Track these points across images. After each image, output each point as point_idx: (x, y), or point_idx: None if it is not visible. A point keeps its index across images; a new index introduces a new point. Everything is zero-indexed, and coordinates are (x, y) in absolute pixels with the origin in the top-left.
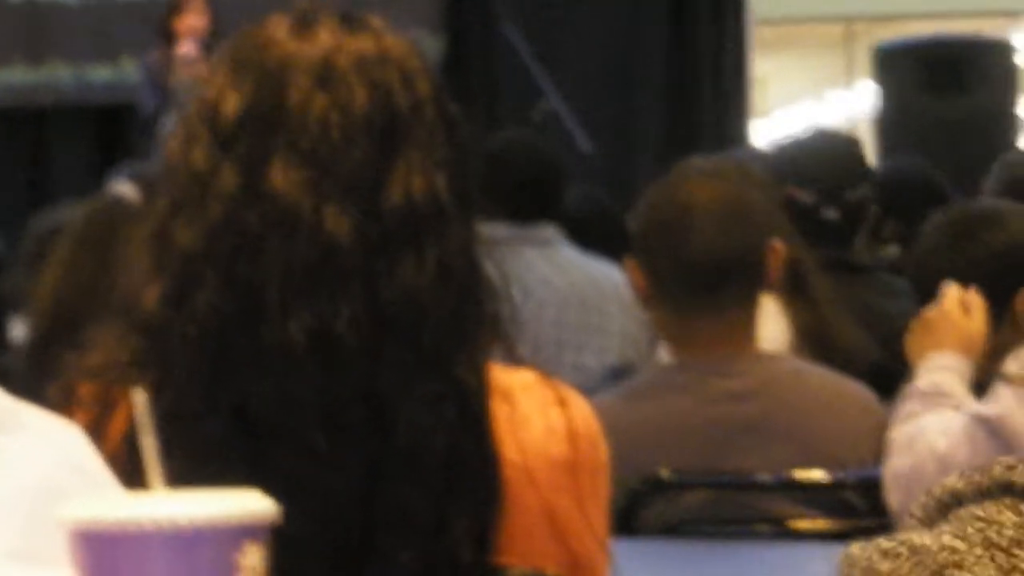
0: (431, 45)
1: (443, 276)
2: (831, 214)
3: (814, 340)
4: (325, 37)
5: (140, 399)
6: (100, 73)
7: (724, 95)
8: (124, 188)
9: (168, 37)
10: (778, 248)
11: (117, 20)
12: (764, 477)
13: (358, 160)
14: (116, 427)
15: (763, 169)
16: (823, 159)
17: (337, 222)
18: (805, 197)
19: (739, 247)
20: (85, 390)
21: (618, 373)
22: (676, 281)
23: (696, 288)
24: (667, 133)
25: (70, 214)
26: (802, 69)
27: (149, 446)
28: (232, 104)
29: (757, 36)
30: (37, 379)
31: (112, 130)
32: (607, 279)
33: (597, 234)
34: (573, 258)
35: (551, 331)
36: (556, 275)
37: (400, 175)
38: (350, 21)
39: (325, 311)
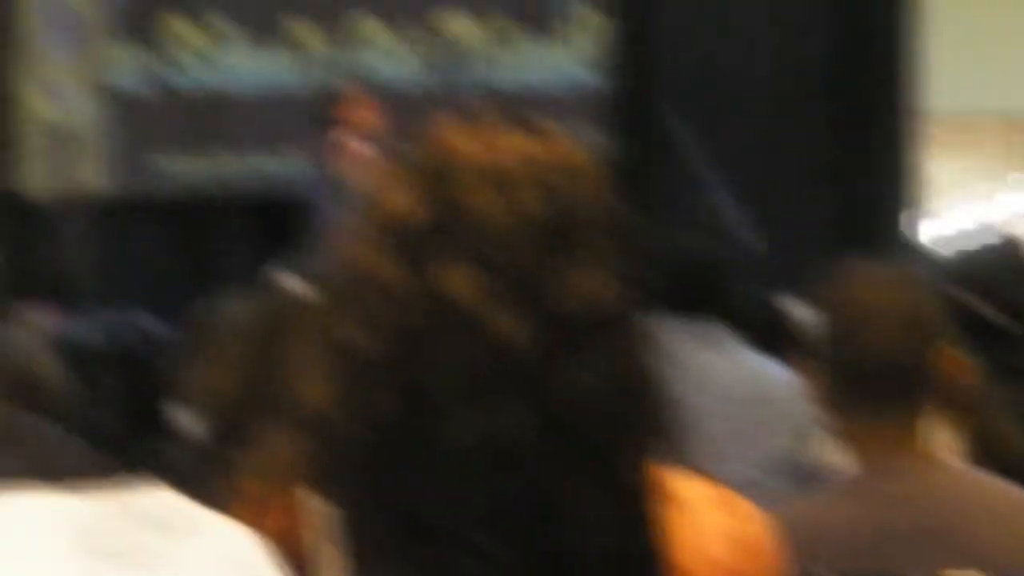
0: (599, 144)
1: (614, 380)
2: (1003, 321)
3: (984, 449)
4: (502, 143)
5: (318, 505)
6: (266, 164)
7: (893, 192)
8: (290, 282)
9: (336, 131)
10: (952, 357)
11: (283, 111)
12: None
13: (532, 264)
14: (287, 527)
15: (934, 274)
16: (996, 265)
17: (511, 325)
18: (977, 304)
19: (912, 353)
20: (255, 489)
21: (785, 471)
22: (847, 384)
23: (867, 392)
24: (835, 231)
25: (235, 306)
26: (973, 167)
27: (328, 552)
28: (408, 208)
29: (928, 133)
30: (205, 475)
31: (277, 221)
32: (774, 377)
33: (764, 332)
34: (742, 356)
35: (721, 428)
36: (727, 373)
37: (573, 280)
38: (526, 126)
39: (496, 414)
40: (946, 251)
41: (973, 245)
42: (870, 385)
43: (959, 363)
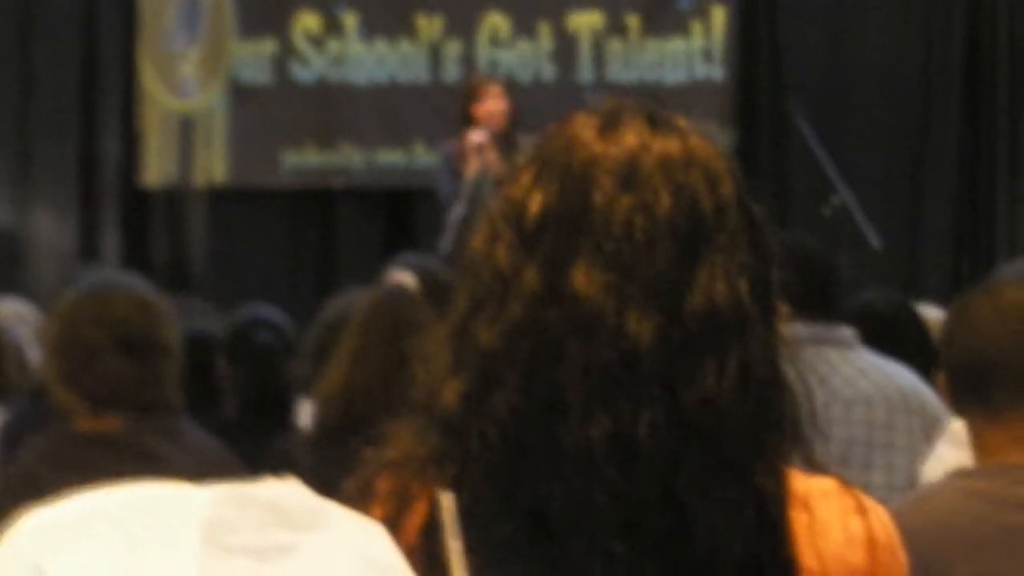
0: (722, 138)
1: (744, 382)
2: None
3: None
4: (631, 138)
5: (447, 501)
6: (390, 157)
7: (1018, 195)
8: (403, 277)
9: (466, 124)
10: None
11: (406, 103)
12: None
13: (661, 263)
14: (414, 522)
15: None
16: None
17: (639, 325)
18: None
19: None
20: (383, 484)
21: (915, 473)
22: (974, 385)
23: (993, 394)
24: (957, 231)
25: (360, 300)
26: None
27: (454, 549)
28: (537, 204)
29: None
30: (325, 467)
31: (401, 214)
32: (902, 379)
33: (890, 333)
34: (871, 359)
35: (861, 431)
36: (859, 376)
37: (703, 279)
38: (656, 121)
39: (624, 414)
40: None
41: None
42: (994, 386)
43: None
